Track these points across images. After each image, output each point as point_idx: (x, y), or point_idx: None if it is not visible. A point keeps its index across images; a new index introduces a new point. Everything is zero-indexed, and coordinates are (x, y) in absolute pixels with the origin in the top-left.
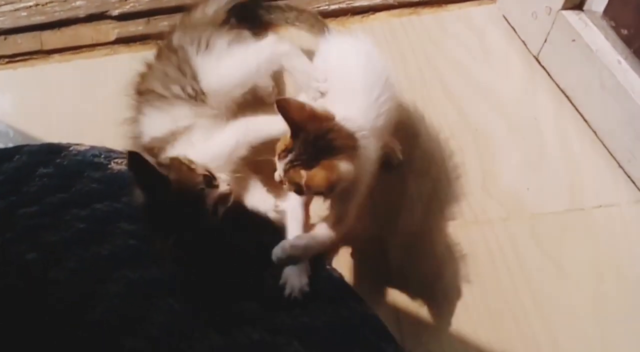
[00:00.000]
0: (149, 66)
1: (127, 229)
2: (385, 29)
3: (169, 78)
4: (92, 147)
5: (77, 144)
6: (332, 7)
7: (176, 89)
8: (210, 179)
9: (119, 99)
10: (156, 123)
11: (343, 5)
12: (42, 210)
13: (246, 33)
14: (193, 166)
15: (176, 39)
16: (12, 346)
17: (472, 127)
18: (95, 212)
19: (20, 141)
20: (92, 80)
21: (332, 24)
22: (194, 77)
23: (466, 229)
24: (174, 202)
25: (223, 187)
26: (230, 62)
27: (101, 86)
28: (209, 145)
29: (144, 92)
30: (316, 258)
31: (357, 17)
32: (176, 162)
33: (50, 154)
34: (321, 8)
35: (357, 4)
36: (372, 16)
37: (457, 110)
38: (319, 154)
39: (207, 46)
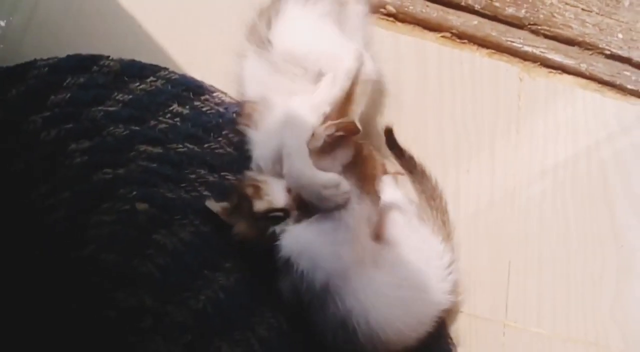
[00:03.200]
0: None
1: None
2: (567, 93)
3: None
4: (239, 103)
5: (222, 92)
6: (525, 48)
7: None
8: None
9: None
10: None
11: (536, 52)
12: (166, 156)
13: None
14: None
15: None
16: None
17: (620, 242)
18: (223, 182)
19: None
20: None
21: (516, 66)
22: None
23: (585, 348)
24: None
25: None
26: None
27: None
28: None
29: None
30: (442, 328)
31: (545, 70)
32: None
33: (190, 91)
34: (514, 43)
35: (550, 56)
36: (559, 75)
37: (610, 215)
38: None
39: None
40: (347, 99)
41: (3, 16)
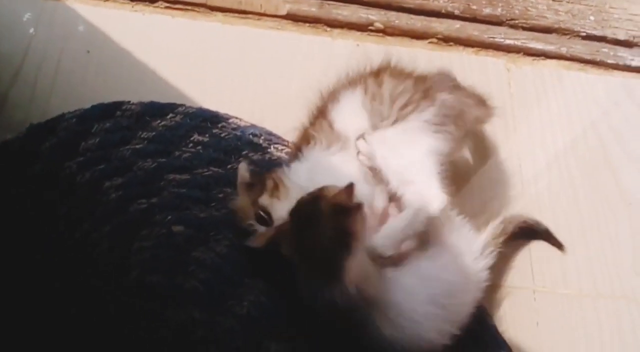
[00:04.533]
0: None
1: None
2: (554, 76)
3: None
4: (253, 126)
5: (237, 118)
6: (507, 41)
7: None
8: (262, 218)
9: (278, 79)
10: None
11: (518, 43)
12: (193, 181)
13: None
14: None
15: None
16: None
17: (627, 200)
18: None
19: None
20: (252, 51)
21: (502, 59)
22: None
23: (614, 302)
24: None
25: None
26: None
27: (261, 60)
28: None
29: None
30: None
31: (529, 59)
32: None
33: (207, 121)
34: (496, 39)
35: (531, 45)
36: (542, 61)
37: (614, 178)
38: None
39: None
40: None
41: (31, 77)
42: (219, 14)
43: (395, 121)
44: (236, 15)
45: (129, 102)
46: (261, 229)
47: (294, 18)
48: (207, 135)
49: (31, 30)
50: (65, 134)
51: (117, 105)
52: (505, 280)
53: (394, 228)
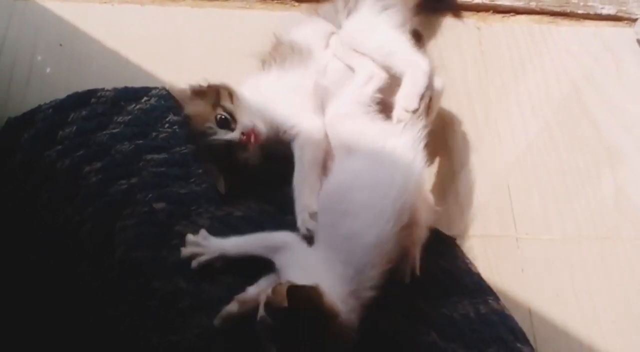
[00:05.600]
0: None
1: (262, 193)
2: (525, 32)
3: None
4: None
5: None
6: (476, 1)
7: None
8: (224, 121)
9: (250, 58)
10: None
11: (486, 1)
12: (172, 159)
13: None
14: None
15: None
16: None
17: (606, 144)
18: None
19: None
20: (222, 32)
21: (472, 19)
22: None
23: (599, 243)
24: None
25: (234, 135)
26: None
27: (231, 40)
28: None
29: None
30: (455, 250)
31: (498, 16)
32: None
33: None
34: (464, 0)
35: (499, 2)
36: (512, 17)
37: (592, 125)
38: None
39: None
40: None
41: (5, 74)
42: None
43: (349, 14)
44: None
45: (103, 89)
46: (220, 132)
47: None
48: (182, 115)
49: (3, 30)
50: (43, 125)
51: (92, 93)
52: (486, 229)
53: (418, 86)
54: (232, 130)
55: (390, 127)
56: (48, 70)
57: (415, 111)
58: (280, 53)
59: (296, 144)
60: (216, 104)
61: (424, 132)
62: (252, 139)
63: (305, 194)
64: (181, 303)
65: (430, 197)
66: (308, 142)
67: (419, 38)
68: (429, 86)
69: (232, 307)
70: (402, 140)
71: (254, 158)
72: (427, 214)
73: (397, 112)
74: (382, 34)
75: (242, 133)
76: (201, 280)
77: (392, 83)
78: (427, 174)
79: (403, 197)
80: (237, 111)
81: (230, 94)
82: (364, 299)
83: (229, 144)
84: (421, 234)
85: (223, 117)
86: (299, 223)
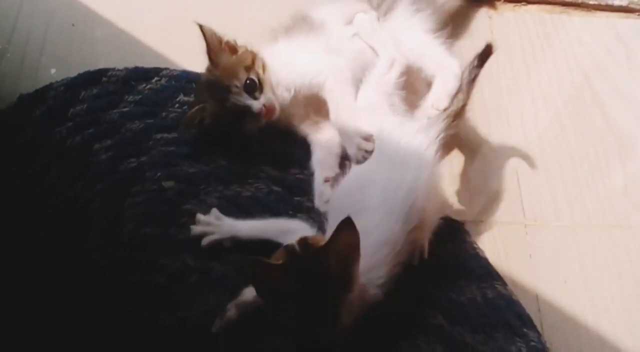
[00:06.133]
0: None
1: (271, 175)
2: (536, 21)
3: None
4: None
5: None
6: None
7: None
8: (253, 86)
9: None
10: None
11: None
12: (181, 138)
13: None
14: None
15: None
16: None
17: (617, 134)
18: None
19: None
20: (234, 15)
21: (483, 7)
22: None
23: (608, 231)
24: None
25: (256, 105)
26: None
27: (243, 23)
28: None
29: None
30: (463, 235)
31: (510, 6)
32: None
33: (192, 82)
34: None
35: None
36: (524, 7)
37: (603, 115)
38: None
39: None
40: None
41: (18, 52)
42: None
43: (385, 15)
44: None
45: (114, 68)
46: (244, 95)
47: None
48: (192, 95)
49: (17, 9)
50: (54, 102)
51: (103, 71)
52: (495, 216)
53: (449, 88)
54: (255, 98)
55: (411, 124)
56: (60, 48)
57: (444, 110)
58: (291, 24)
59: (327, 89)
60: (249, 67)
61: (445, 133)
62: (270, 114)
63: (352, 125)
64: (189, 280)
65: (444, 197)
66: (338, 81)
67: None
68: (460, 88)
69: (231, 313)
70: (419, 139)
71: (257, 132)
72: (438, 212)
73: (425, 109)
74: (415, 35)
75: (264, 105)
76: (209, 258)
77: (414, 80)
78: (441, 174)
79: (412, 198)
80: (265, 82)
81: (264, 65)
82: (369, 297)
83: (246, 109)
84: (431, 226)
85: (254, 82)
86: (353, 151)
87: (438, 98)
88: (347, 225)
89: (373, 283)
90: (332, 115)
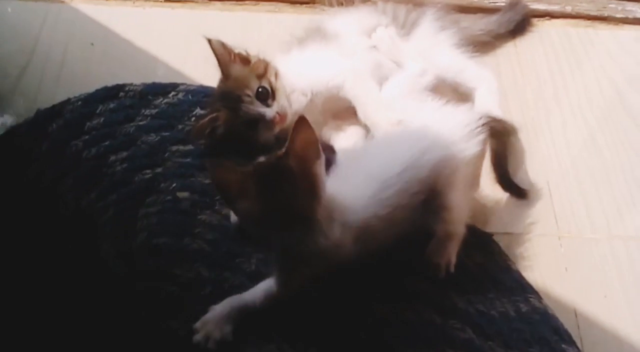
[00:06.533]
0: None
1: None
2: (561, 35)
3: None
4: None
5: None
6: None
7: None
8: (266, 94)
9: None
10: None
11: None
12: (197, 150)
13: None
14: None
15: None
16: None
17: None
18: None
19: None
20: (251, 35)
21: None
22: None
23: None
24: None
25: (269, 112)
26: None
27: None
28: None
29: None
30: (492, 247)
31: (533, 20)
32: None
33: (208, 96)
34: (497, 3)
35: (534, 6)
36: (547, 21)
37: (637, 126)
38: None
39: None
40: None
41: (38, 70)
42: (217, 3)
43: (409, 31)
44: (233, 2)
45: (132, 83)
46: (256, 103)
47: (291, 0)
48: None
49: (38, 29)
50: (71, 116)
51: (120, 87)
52: (526, 227)
53: (494, 97)
54: (268, 106)
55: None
56: (79, 67)
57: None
58: (304, 35)
59: (347, 87)
60: (261, 76)
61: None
62: (282, 120)
63: (381, 114)
64: (203, 291)
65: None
66: (359, 78)
67: None
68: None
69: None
70: (454, 121)
71: (271, 140)
72: (462, 199)
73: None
74: (446, 52)
75: (278, 112)
76: (223, 268)
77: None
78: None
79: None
80: (278, 90)
81: (276, 73)
82: (371, 223)
83: (259, 117)
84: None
85: (267, 90)
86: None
87: (491, 109)
88: (302, 124)
89: (383, 203)
90: (359, 112)
